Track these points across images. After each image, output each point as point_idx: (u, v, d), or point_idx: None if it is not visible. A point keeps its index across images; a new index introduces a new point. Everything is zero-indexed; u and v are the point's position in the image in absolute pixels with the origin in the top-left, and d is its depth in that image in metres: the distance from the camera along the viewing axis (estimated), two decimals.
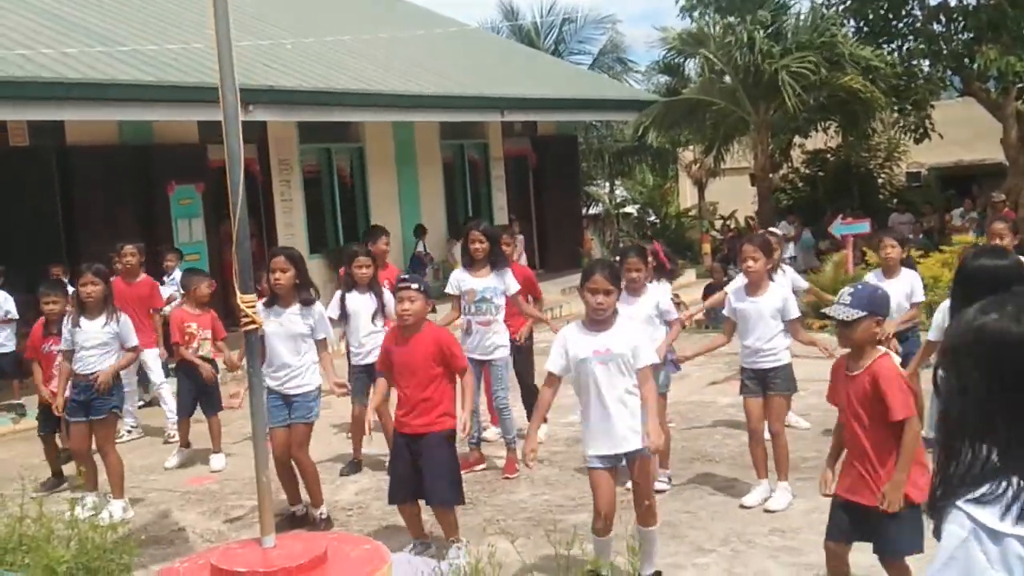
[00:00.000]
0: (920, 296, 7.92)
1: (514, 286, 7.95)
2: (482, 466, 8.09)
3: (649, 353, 5.31)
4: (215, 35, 4.86)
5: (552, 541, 4.94)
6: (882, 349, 4.61)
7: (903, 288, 7.79)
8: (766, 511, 6.64)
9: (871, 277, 8.18)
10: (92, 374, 7.35)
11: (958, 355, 2.04)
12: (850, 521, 4.60)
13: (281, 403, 6.77)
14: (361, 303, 8.15)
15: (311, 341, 6.86)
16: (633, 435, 5.23)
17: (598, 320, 5.29)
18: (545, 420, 8.94)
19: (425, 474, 5.91)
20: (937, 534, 1.98)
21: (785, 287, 7.40)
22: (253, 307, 5.01)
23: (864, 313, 4.46)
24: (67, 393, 7.61)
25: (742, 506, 6.79)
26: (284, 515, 6.97)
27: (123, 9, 15.55)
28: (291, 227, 16.38)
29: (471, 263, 7.95)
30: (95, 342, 7.36)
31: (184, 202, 14.51)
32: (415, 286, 5.94)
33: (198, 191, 14.47)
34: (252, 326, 5.00)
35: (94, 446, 7.59)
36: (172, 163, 14.00)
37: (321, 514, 6.94)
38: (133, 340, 7.57)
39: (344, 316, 8.15)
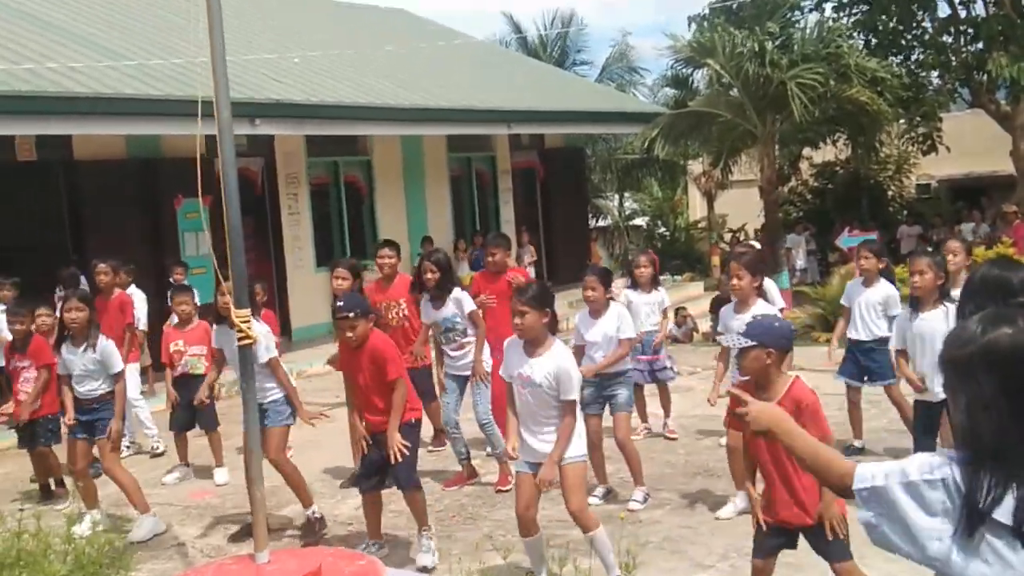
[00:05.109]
0: (897, 309, 7.96)
1: (468, 307, 8.03)
2: (474, 481, 8.08)
3: (569, 387, 5.39)
4: (211, 50, 4.87)
5: (547, 557, 4.91)
6: (793, 374, 4.75)
7: (877, 297, 8.10)
8: None
9: (852, 284, 8.46)
10: (89, 399, 7.32)
11: (973, 370, 2.00)
12: (775, 538, 4.83)
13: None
14: None
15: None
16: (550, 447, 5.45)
17: (527, 341, 5.44)
18: None
19: (392, 462, 6.21)
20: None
21: (772, 305, 7.37)
22: (248, 322, 5.01)
23: (754, 343, 4.58)
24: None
25: (717, 518, 6.82)
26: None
27: (128, 23, 15.64)
28: (298, 240, 16.40)
29: (425, 292, 8.08)
30: (79, 370, 7.31)
31: (191, 216, 14.54)
32: (352, 314, 6.13)
33: (205, 204, 14.48)
34: (247, 341, 5.00)
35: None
36: (179, 177, 14.01)
37: (313, 513, 6.98)
38: (117, 366, 7.39)
39: None
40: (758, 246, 11.16)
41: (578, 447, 5.53)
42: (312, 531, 6.88)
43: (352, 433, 8.32)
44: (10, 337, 8.69)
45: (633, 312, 8.89)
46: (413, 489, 6.27)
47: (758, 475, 4.87)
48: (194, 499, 8.32)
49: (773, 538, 4.84)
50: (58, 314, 8.58)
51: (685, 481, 7.83)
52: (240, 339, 5.03)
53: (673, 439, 9.03)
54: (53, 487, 8.62)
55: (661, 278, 9.14)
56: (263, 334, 6.82)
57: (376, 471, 6.34)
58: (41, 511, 6.75)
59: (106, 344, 7.40)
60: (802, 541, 4.86)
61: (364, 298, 6.61)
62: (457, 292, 8.07)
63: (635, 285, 9.19)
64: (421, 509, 6.31)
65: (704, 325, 17.15)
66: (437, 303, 8.00)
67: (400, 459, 6.11)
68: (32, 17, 14.04)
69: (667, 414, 9.28)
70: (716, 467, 8.16)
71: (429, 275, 7.95)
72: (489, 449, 8.47)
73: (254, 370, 5.31)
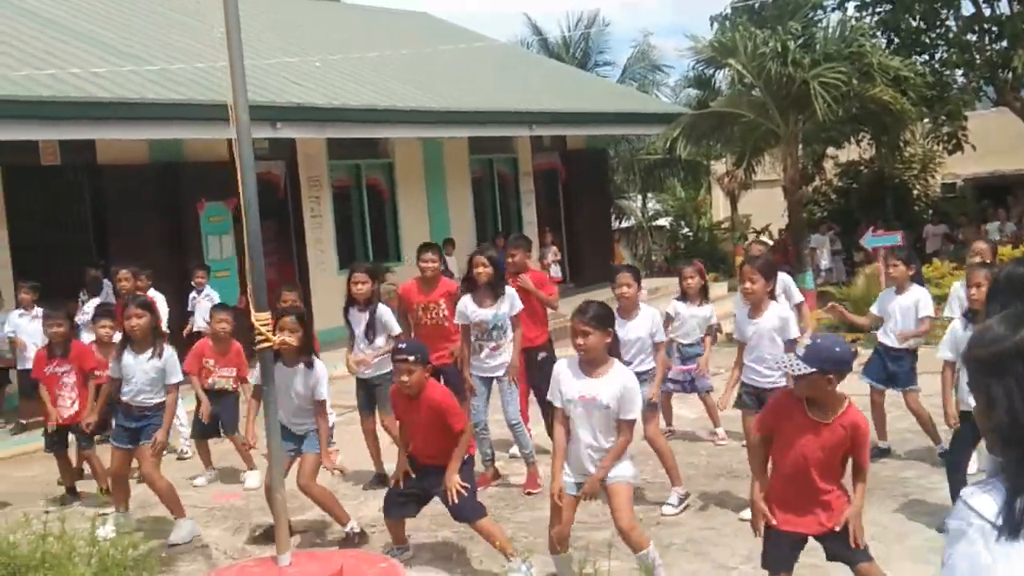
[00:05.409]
0: (927, 311, 7.89)
1: (518, 306, 7.86)
2: (498, 482, 8.06)
3: (633, 406, 5.33)
4: (228, 54, 4.88)
5: (575, 569, 4.89)
6: (848, 398, 4.63)
7: (909, 302, 7.90)
8: None
9: (884, 294, 8.30)
10: (142, 408, 7.21)
11: (1005, 367, 1.96)
12: (790, 550, 4.77)
13: (288, 437, 6.74)
14: (358, 320, 8.19)
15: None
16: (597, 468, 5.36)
17: (587, 361, 5.31)
18: None
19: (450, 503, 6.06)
20: None
21: (786, 307, 7.33)
22: (267, 325, 5.02)
23: (813, 370, 4.43)
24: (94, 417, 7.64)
25: (741, 519, 6.74)
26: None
27: (150, 28, 15.72)
28: (320, 243, 16.44)
29: (475, 289, 7.83)
30: (142, 377, 7.16)
31: (215, 219, 14.61)
32: (412, 358, 5.96)
33: (229, 208, 14.55)
34: (265, 344, 5.00)
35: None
36: (202, 180, 14.10)
37: (352, 529, 6.90)
38: (176, 376, 7.27)
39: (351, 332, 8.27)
40: (770, 243, 11.07)
41: (627, 467, 5.45)
42: (353, 547, 6.83)
43: (367, 438, 8.40)
44: (28, 341, 8.68)
45: (679, 324, 8.78)
46: (479, 518, 6.07)
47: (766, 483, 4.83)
48: (218, 501, 8.34)
49: (789, 549, 4.77)
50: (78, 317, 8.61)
51: (707, 482, 7.79)
52: (259, 343, 5.04)
53: (723, 445, 8.95)
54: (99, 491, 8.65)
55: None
56: (324, 376, 6.79)
57: (409, 504, 6.28)
58: (66, 513, 6.77)
59: (171, 353, 7.29)
60: None
61: (426, 348, 6.42)
62: (510, 290, 7.89)
63: (684, 297, 8.97)
64: (497, 536, 6.07)
65: (728, 326, 17.07)
66: (486, 301, 7.75)
67: (457, 500, 5.99)
68: (54, 23, 14.14)
69: (716, 423, 9.12)
70: (738, 468, 8.11)
71: (481, 269, 7.70)
72: (514, 450, 8.45)
73: (273, 375, 5.31)
